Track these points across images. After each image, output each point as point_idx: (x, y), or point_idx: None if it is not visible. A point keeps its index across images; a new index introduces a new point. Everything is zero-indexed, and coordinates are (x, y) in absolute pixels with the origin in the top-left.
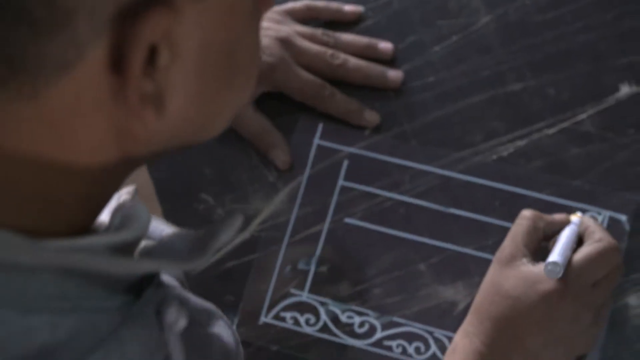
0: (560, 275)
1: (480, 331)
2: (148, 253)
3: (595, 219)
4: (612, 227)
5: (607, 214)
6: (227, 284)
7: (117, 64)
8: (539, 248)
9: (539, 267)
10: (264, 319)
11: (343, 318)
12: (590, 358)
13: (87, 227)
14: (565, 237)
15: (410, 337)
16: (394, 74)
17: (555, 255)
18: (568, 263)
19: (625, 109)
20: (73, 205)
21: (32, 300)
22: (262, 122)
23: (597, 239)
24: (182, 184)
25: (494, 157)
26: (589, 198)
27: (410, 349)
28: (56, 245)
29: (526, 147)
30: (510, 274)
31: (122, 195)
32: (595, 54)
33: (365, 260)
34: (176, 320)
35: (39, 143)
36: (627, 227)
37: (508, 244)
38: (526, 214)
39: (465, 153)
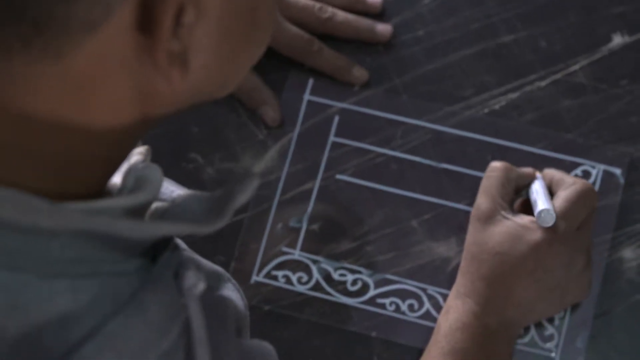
0: (553, 221)
1: (472, 291)
2: (162, 215)
3: (588, 173)
4: (606, 180)
5: (602, 167)
6: (218, 244)
7: (145, 23)
8: (512, 201)
9: (522, 219)
10: (256, 277)
11: (335, 276)
12: (584, 310)
13: (101, 189)
14: (541, 187)
15: (403, 294)
16: (383, 28)
17: (544, 203)
18: None
19: (618, 60)
20: (91, 166)
21: (52, 265)
22: (252, 78)
23: (571, 183)
24: (170, 143)
25: (486, 110)
26: (582, 152)
27: (404, 307)
28: (76, 207)
29: (518, 100)
30: (494, 230)
31: (134, 155)
32: (587, 3)
33: (357, 217)
34: (195, 283)
35: (62, 104)
36: (621, 180)
37: (483, 200)
38: (497, 165)
39: (457, 107)
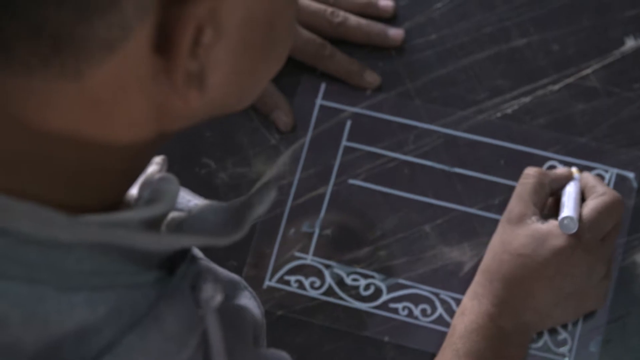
0: (575, 229)
1: (489, 292)
2: (178, 226)
3: (602, 177)
4: (619, 184)
5: (615, 171)
6: (230, 249)
7: (162, 44)
8: (545, 205)
9: (548, 225)
10: (269, 282)
11: (348, 281)
12: (598, 314)
13: (118, 201)
14: (574, 192)
15: (416, 299)
16: (395, 32)
17: (570, 210)
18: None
19: (631, 63)
20: (108, 180)
21: (70, 277)
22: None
23: (602, 193)
24: (183, 148)
25: (499, 114)
26: (595, 155)
27: (417, 311)
28: (93, 220)
29: (531, 104)
30: (520, 233)
31: (150, 165)
32: (600, 7)
33: (369, 221)
34: (212, 295)
35: (79, 121)
36: (634, 184)
37: (516, 204)
38: (530, 172)
39: (470, 111)
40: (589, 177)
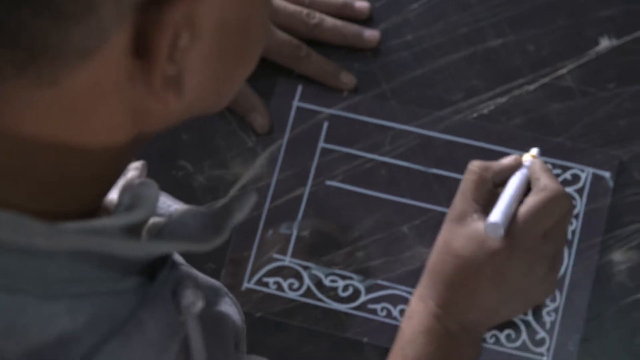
0: (502, 234)
1: (434, 293)
2: (159, 232)
3: (578, 177)
4: (595, 184)
5: (590, 171)
6: (208, 252)
7: (140, 48)
8: (490, 200)
9: None
10: (247, 284)
11: (326, 282)
12: (576, 313)
13: (98, 205)
14: (513, 188)
15: (394, 299)
16: (371, 33)
17: (497, 213)
18: (514, 217)
19: (605, 63)
20: (87, 185)
21: (50, 286)
22: (240, 85)
23: (541, 188)
24: (160, 150)
25: (475, 115)
26: (571, 155)
27: (395, 312)
28: (72, 227)
29: (507, 104)
30: (461, 232)
31: (130, 170)
32: (574, 7)
33: (347, 223)
34: (193, 302)
35: (57, 127)
36: (610, 183)
37: (458, 201)
38: (472, 167)
39: (446, 112)
40: (535, 167)
